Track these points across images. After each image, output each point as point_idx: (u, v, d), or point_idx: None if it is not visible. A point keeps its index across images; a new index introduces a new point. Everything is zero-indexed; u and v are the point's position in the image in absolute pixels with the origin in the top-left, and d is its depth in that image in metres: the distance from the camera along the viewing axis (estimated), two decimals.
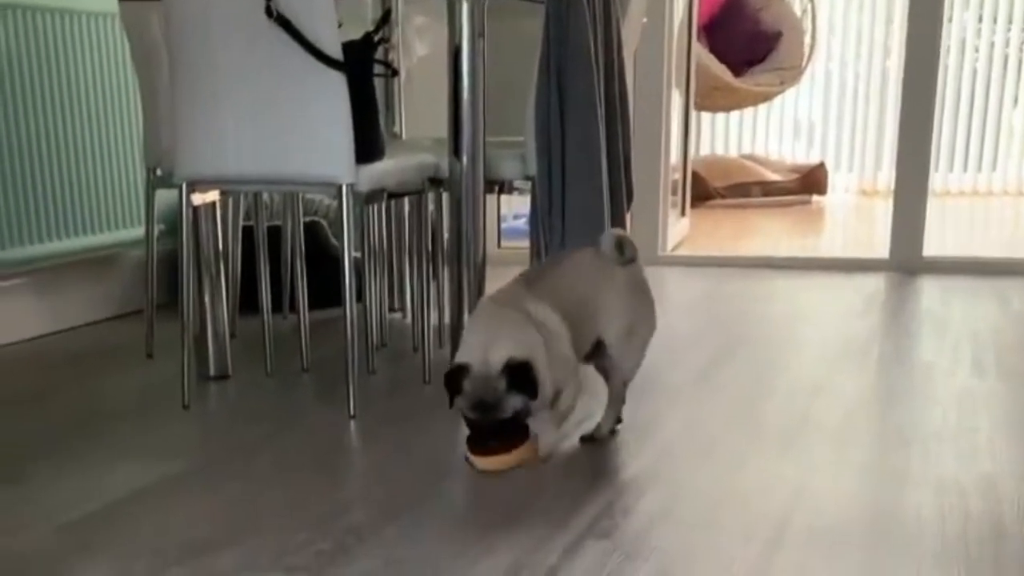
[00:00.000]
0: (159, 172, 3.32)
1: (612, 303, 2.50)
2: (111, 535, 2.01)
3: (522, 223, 5.04)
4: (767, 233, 6.56)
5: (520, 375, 2.20)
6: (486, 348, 2.22)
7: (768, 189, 7.63)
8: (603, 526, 2.03)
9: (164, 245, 3.65)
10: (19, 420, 2.75)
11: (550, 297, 2.37)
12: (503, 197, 4.80)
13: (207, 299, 3.07)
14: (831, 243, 6.52)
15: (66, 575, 1.82)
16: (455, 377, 2.23)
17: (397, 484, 2.28)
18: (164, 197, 3.48)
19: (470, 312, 2.81)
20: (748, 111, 8.47)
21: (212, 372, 3.11)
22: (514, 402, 2.21)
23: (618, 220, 3.32)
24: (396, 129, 3.81)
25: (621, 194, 3.34)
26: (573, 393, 2.41)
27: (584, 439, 2.53)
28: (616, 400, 2.58)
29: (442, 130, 2.95)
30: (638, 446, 2.51)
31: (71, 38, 3.61)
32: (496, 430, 2.24)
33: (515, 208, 5.34)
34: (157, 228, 3.46)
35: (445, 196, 3.11)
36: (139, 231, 3.77)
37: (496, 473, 2.27)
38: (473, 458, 2.29)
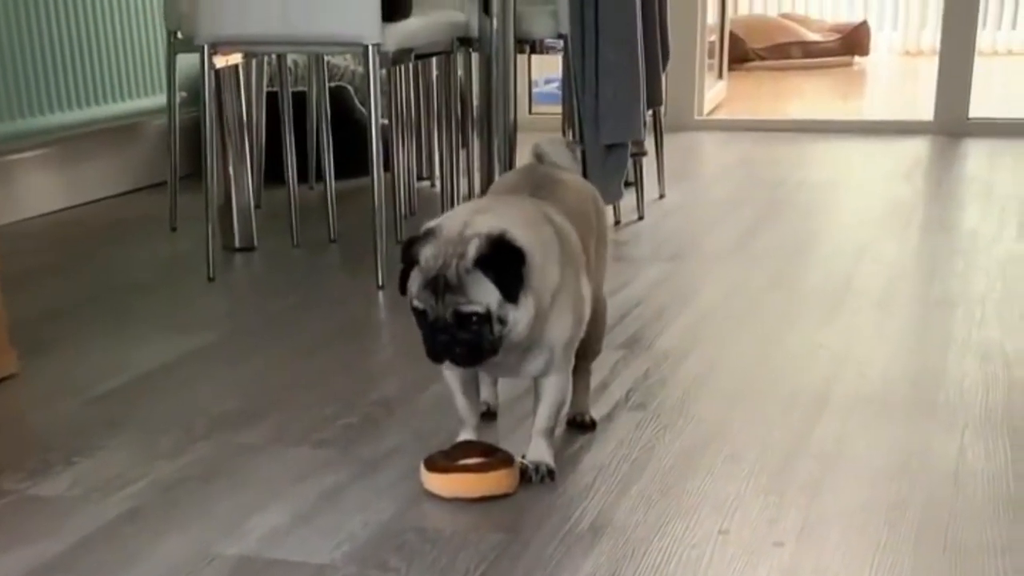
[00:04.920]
0: (180, 35, 3.25)
1: (603, 239, 1.85)
2: (137, 409, 1.98)
3: (554, 88, 4.96)
4: (807, 96, 6.46)
5: (501, 255, 1.49)
6: (472, 214, 1.56)
7: (808, 50, 7.48)
8: (639, 396, 1.99)
9: (186, 114, 3.57)
10: (43, 294, 2.71)
11: (567, 215, 1.68)
12: (534, 61, 4.73)
13: (231, 169, 3.01)
14: (873, 105, 6.43)
15: (93, 450, 1.80)
16: (414, 245, 1.54)
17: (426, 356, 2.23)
18: (185, 62, 3.40)
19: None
20: None
21: (237, 244, 3.06)
22: (483, 291, 1.49)
23: (654, 83, 3.24)
24: None
25: (657, 56, 3.26)
26: (565, 374, 1.67)
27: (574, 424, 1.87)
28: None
29: None
30: (675, 314, 2.46)
31: None
32: (456, 338, 1.53)
33: (546, 73, 5.26)
34: (179, 95, 3.39)
35: (474, 58, 3.03)
36: (160, 99, 3.69)
37: (453, 500, 1.60)
38: (425, 474, 1.63)
